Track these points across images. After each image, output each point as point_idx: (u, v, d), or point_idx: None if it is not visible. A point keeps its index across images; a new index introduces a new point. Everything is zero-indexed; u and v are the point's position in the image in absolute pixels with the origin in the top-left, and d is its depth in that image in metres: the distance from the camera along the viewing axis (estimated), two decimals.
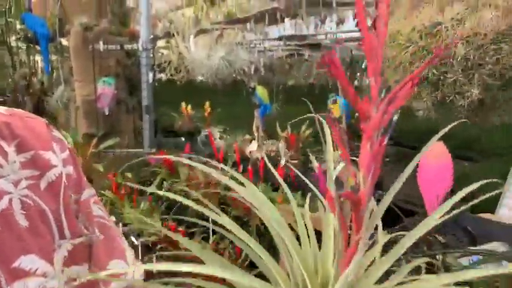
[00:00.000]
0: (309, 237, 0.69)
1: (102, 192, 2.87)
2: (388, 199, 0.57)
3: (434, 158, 0.90)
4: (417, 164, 1.06)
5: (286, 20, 4.38)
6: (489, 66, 1.04)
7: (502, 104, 1.14)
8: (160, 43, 5.40)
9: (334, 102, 2.27)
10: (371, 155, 0.46)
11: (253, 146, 2.68)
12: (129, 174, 2.89)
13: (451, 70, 1.08)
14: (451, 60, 1.07)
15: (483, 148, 3.53)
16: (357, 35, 4.89)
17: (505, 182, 1.50)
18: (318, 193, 0.73)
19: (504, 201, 1.46)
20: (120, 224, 2.72)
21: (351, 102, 0.46)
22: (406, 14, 1.15)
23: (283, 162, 2.34)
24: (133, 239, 2.56)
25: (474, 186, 0.63)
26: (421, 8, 1.13)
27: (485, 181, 0.65)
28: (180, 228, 2.28)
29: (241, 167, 2.56)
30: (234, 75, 2.98)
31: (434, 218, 0.56)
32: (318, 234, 0.90)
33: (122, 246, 0.78)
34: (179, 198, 0.72)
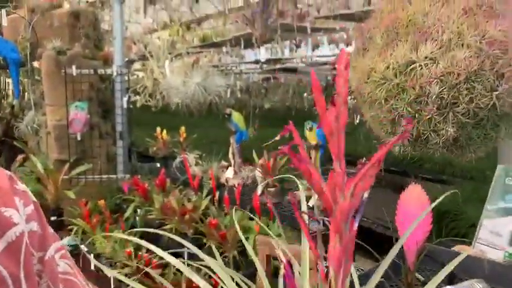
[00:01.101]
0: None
1: (73, 220, 2.78)
2: None
3: (413, 203, 0.88)
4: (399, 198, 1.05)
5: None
6: (463, 105, 1.05)
7: (476, 141, 1.14)
8: (136, 65, 5.35)
9: (310, 129, 2.27)
10: (341, 248, 0.42)
11: (229, 173, 2.65)
12: (101, 202, 2.82)
13: (426, 108, 1.09)
14: (426, 98, 1.07)
15: (456, 171, 3.58)
16: (332, 59, 4.97)
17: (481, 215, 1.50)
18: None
19: (480, 233, 1.47)
20: (92, 255, 2.63)
21: (316, 191, 0.43)
22: (380, 51, 1.16)
23: (259, 190, 2.31)
24: (106, 271, 2.47)
25: None
26: (394, 45, 1.13)
27: None
28: (154, 260, 2.21)
29: (217, 194, 2.53)
30: (210, 100, 2.96)
31: None
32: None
33: None
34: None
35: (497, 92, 1.04)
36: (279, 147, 0.50)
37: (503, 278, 1.26)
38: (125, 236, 2.43)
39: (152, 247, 0.80)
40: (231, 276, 0.81)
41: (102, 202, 2.81)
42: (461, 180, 3.44)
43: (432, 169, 3.64)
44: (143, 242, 0.84)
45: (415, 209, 0.87)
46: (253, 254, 0.85)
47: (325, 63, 4.65)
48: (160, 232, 1.03)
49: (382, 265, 0.64)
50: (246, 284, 0.75)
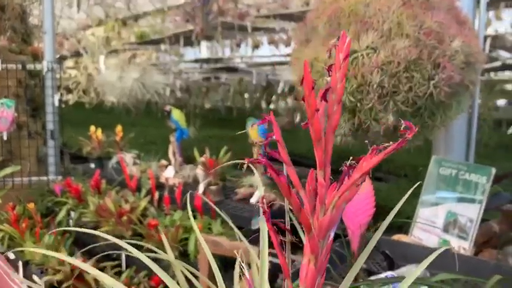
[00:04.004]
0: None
1: None
2: None
3: None
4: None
5: (202, 42, 4.35)
6: (403, 94, 1.07)
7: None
8: (68, 63, 5.10)
9: (252, 125, 2.25)
10: (315, 270, 0.38)
11: (169, 172, 2.58)
12: (31, 205, 2.64)
13: (367, 97, 1.10)
14: (368, 87, 1.09)
15: (391, 168, 3.71)
16: (272, 59, 5.02)
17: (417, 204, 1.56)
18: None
19: (416, 222, 1.52)
20: (20, 262, 2.46)
21: (295, 210, 0.38)
22: (322, 41, 1.16)
23: (201, 188, 2.26)
24: (35, 278, 2.31)
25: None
26: (337, 35, 1.14)
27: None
28: (89, 264, 2.10)
29: (156, 195, 2.45)
30: (148, 98, 2.87)
31: None
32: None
33: None
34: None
35: (434, 81, 1.08)
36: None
37: (438, 263, 1.30)
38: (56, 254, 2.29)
39: (81, 263, 0.72)
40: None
41: (31, 206, 2.63)
42: (396, 178, 3.58)
43: None
44: (69, 259, 0.76)
45: (358, 193, 0.87)
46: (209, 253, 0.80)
47: (265, 64, 4.70)
48: (95, 232, 0.96)
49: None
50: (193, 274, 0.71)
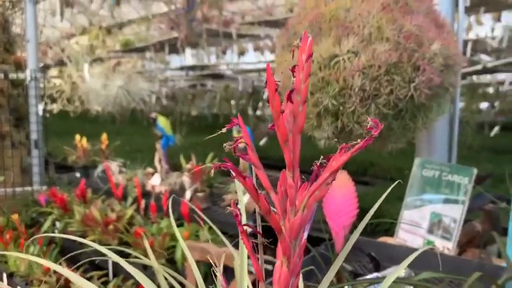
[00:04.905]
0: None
1: None
2: None
3: (338, 188, 0.90)
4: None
5: (187, 49, 4.36)
6: (384, 97, 1.09)
7: (396, 131, 1.20)
8: (52, 72, 5.06)
9: (239, 132, 2.26)
10: (288, 272, 0.38)
11: (155, 180, 2.56)
12: (15, 216, 2.60)
13: (349, 100, 1.11)
14: (349, 91, 1.10)
15: (377, 172, 3.73)
16: (258, 66, 5.04)
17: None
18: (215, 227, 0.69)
19: (401, 224, 1.53)
20: (4, 274, 2.42)
21: (263, 212, 0.38)
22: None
23: (188, 195, 2.25)
24: None
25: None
26: (318, 40, 1.16)
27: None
28: (77, 274, 2.07)
29: (142, 203, 2.43)
30: (133, 105, 2.85)
31: None
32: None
33: None
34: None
35: (414, 84, 1.10)
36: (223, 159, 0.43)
37: (423, 264, 1.31)
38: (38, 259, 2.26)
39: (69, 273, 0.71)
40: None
41: (15, 216, 2.59)
42: (382, 181, 3.60)
43: (355, 171, 3.77)
44: (54, 266, 0.75)
45: (340, 194, 0.88)
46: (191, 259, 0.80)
47: (251, 70, 4.72)
48: (80, 240, 0.95)
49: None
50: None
